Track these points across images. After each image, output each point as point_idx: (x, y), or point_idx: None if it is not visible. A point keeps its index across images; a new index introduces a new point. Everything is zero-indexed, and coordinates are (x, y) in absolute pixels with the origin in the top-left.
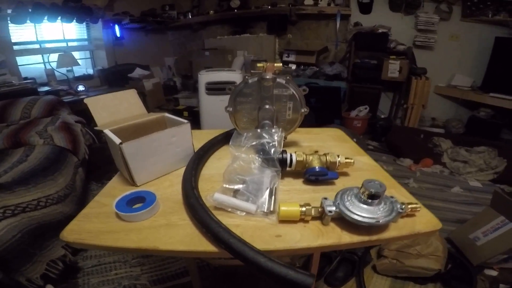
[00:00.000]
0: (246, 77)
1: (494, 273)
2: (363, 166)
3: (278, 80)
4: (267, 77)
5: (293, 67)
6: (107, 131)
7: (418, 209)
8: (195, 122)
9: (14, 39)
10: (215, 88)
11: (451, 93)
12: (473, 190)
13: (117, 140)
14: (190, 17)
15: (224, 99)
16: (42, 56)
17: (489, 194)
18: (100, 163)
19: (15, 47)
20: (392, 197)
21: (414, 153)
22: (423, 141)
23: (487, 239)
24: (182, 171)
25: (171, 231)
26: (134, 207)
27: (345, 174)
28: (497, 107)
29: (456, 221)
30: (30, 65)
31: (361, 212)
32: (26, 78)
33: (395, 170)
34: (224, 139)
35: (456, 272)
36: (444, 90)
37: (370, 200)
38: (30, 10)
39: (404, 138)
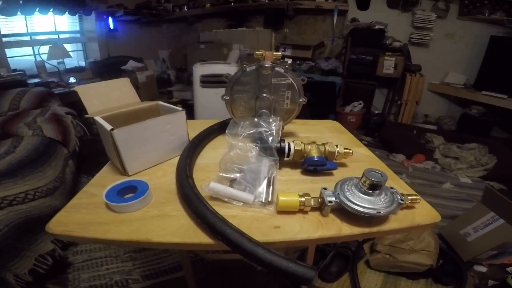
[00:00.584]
0: (244, 65)
1: (483, 269)
2: (360, 157)
3: (276, 68)
4: (266, 65)
5: (289, 61)
6: (98, 118)
7: (418, 200)
8: (189, 115)
9: (3, 31)
10: (210, 81)
11: (445, 90)
12: (463, 186)
13: (108, 127)
14: (185, 10)
15: (219, 92)
16: (33, 48)
17: (478, 190)
18: (91, 155)
19: (5, 39)
20: (392, 188)
21: (406, 148)
22: (416, 137)
23: (478, 235)
24: (176, 160)
25: (164, 222)
26: (125, 197)
27: (343, 165)
28: (488, 105)
29: (447, 217)
30: (20, 57)
31: (361, 203)
32: (15, 70)
33: (388, 165)
34: (220, 128)
35: (447, 268)
36: (437, 87)
37: (371, 191)
38: (21, 1)
39: (397, 134)
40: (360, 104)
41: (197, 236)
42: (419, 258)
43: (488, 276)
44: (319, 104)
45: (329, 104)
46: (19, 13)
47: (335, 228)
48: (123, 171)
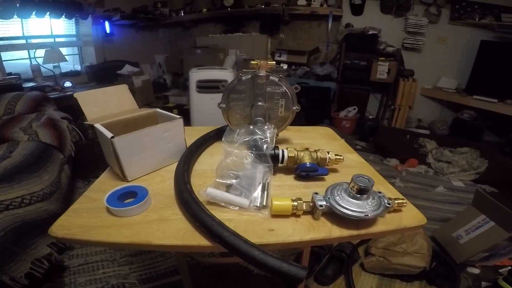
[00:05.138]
0: (240, 74)
1: (476, 271)
2: (351, 163)
3: (271, 77)
4: (261, 74)
5: (285, 66)
6: (98, 126)
7: (404, 204)
8: (185, 120)
9: None
10: (206, 86)
11: (437, 95)
12: (456, 190)
13: (108, 134)
14: (182, 14)
15: (215, 97)
16: (28, 51)
17: (471, 193)
18: (86, 160)
19: (0, 42)
20: (379, 192)
21: (400, 153)
22: (409, 142)
23: (469, 237)
24: (173, 166)
25: (163, 226)
26: (125, 202)
27: (334, 170)
28: (480, 109)
29: (440, 220)
30: (15, 61)
31: (350, 206)
32: (10, 74)
33: (382, 169)
34: (216, 135)
35: (440, 269)
36: (430, 92)
37: (359, 195)
38: (18, 5)
39: (391, 139)
40: (354, 109)
41: (195, 239)
42: (412, 261)
43: (481, 278)
44: (314, 109)
45: (324, 109)
46: (15, 16)
47: (326, 231)
48: (123, 177)
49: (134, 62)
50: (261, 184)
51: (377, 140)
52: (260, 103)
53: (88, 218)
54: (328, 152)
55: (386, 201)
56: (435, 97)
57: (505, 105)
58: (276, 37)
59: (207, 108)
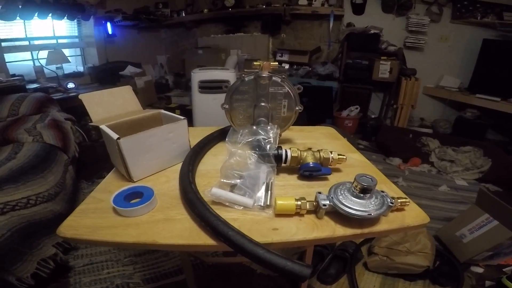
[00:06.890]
0: (243, 75)
1: (480, 270)
2: (354, 163)
3: (274, 78)
4: (264, 75)
5: (286, 66)
6: (103, 127)
7: (407, 203)
8: (188, 120)
9: (2, 35)
10: (208, 87)
11: (439, 94)
12: (459, 189)
13: (114, 136)
14: (183, 15)
15: (217, 97)
16: (31, 53)
17: (474, 192)
18: (90, 161)
19: (3, 44)
20: (382, 191)
21: (403, 152)
22: (412, 141)
23: (473, 237)
24: (178, 167)
25: (169, 226)
26: (131, 202)
27: (337, 170)
28: (483, 108)
29: (443, 219)
30: (19, 62)
31: (353, 206)
32: (14, 75)
33: (384, 169)
34: (219, 135)
35: (444, 269)
36: (432, 91)
37: (362, 194)
38: (20, 6)
39: (393, 138)
40: (356, 108)
41: (201, 238)
42: (415, 260)
43: (485, 277)
44: (316, 108)
45: (326, 108)
46: (18, 17)
47: (329, 230)
48: (128, 178)
49: (136, 63)
50: (265, 184)
51: (380, 139)
52: (263, 104)
53: (95, 218)
54: (331, 152)
55: (389, 200)
56: (437, 96)
57: (508, 103)
58: (277, 37)
59: (209, 108)
